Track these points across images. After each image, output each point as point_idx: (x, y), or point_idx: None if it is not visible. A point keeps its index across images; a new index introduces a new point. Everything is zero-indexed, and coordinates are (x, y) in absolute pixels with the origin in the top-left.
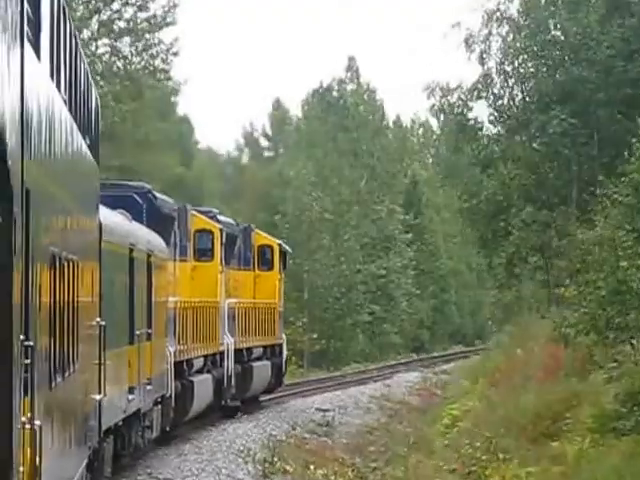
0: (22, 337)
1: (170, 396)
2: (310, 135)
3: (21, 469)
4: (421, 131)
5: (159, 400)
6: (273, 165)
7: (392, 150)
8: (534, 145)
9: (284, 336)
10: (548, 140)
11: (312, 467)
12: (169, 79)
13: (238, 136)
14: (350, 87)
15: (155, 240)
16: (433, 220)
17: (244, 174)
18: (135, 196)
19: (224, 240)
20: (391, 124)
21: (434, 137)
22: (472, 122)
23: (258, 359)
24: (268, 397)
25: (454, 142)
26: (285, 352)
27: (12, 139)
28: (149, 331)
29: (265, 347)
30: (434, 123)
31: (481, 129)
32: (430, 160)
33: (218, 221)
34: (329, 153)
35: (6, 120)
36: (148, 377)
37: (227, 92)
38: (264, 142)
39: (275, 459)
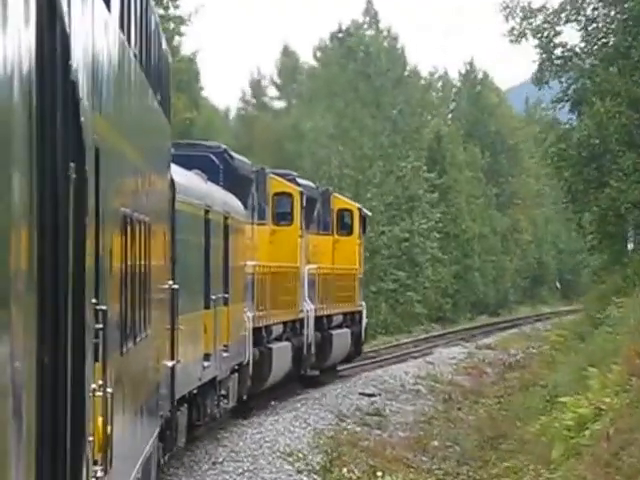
0: (94, 301)
1: (248, 364)
2: (328, 83)
3: (91, 438)
4: (440, 84)
5: (236, 368)
6: (286, 117)
7: (414, 102)
8: (635, 77)
9: (364, 303)
10: None
11: (379, 474)
12: (177, 7)
13: (243, 85)
14: (369, 33)
15: (232, 202)
16: (458, 180)
17: (254, 127)
18: (211, 156)
19: (304, 204)
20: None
21: (454, 90)
22: (560, 49)
23: (338, 327)
24: (346, 366)
25: (537, 74)
26: (365, 320)
27: (84, 94)
28: (226, 296)
29: (345, 314)
30: (454, 75)
31: (571, 58)
32: (450, 115)
33: (297, 184)
34: (350, 103)
35: (79, 74)
36: (225, 343)
37: (230, 39)
38: (273, 92)
39: (332, 463)
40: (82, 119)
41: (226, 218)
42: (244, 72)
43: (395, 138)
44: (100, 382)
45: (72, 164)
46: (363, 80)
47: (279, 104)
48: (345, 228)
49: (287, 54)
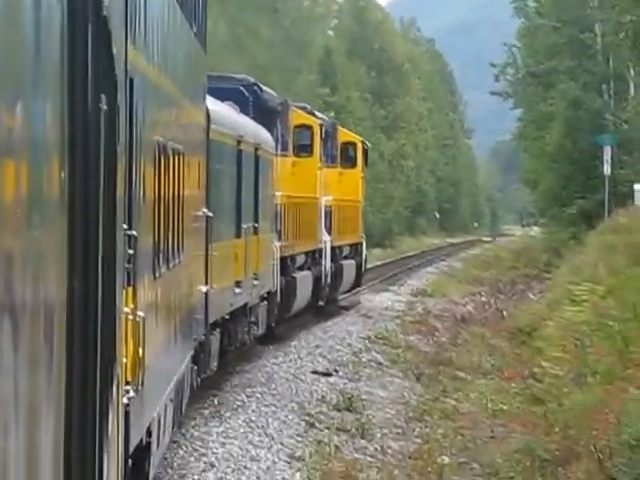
0: (125, 227)
1: (276, 292)
2: None
3: (124, 360)
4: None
5: (265, 296)
6: None
7: (305, 13)
8: None
9: (364, 235)
10: None
11: None
12: None
13: None
14: None
15: (262, 133)
16: (350, 98)
17: None
18: (242, 88)
19: (323, 136)
20: None
21: (334, 7)
22: None
23: (345, 258)
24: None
25: None
26: (365, 251)
27: (116, 26)
28: (256, 225)
29: (350, 246)
30: None
31: None
32: (331, 33)
33: (315, 116)
34: (244, 8)
35: (111, 6)
36: (255, 272)
37: None
38: None
39: None
40: (114, 51)
41: (257, 149)
42: None
43: (288, 49)
44: (132, 306)
45: (103, 96)
46: None
47: None
48: (349, 161)
49: None
